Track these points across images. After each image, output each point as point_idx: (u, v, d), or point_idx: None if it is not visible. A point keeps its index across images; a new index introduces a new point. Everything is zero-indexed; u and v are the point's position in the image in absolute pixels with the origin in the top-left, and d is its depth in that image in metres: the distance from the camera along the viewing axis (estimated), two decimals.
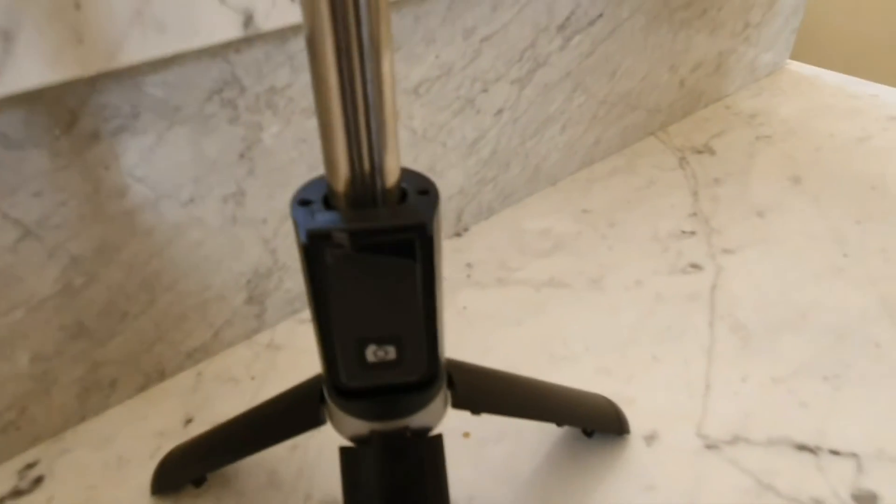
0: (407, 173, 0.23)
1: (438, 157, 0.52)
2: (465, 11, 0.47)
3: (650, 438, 0.40)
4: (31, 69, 0.30)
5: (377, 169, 0.21)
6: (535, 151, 0.60)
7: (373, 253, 0.21)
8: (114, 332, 0.41)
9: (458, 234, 0.58)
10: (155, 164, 0.37)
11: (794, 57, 0.84)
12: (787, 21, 0.79)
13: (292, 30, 0.39)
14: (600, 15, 0.56)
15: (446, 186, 0.54)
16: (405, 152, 0.50)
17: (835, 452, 0.39)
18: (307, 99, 0.42)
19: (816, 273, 0.53)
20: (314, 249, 0.20)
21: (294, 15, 0.37)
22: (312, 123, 0.43)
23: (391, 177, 0.21)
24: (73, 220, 0.36)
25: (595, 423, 0.39)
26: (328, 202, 0.22)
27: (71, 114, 0.33)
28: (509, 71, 0.53)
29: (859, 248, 0.55)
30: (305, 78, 0.41)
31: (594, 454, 0.40)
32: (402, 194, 0.22)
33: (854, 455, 0.39)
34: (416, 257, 0.21)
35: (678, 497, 0.37)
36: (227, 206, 0.42)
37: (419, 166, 0.51)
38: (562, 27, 0.54)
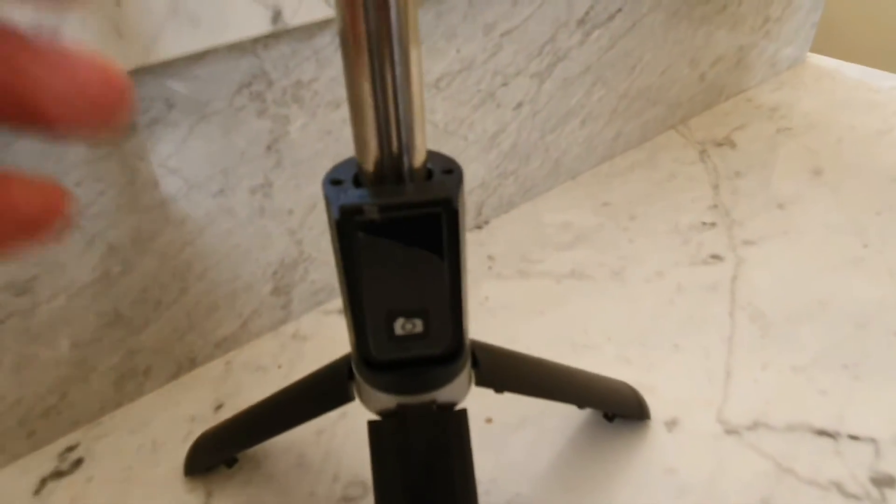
0: (432, 155, 0.24)
1: (460, 150, 0.53)
2: (486, 7, 0.48)
3: (671, 424, 0.41)
4: None
5: (405, 148, 0.22)
6: (556, 145, 0.60)
7: (401, 226, 0.22)
8: (148, 320, 0.42)
9: (479, 227, 0.59)
10: (187, 155, 0.39)
11: (815, 50, 0.84)
12: (807, 15, 0.79)
13: (318, 25, 0.40)
14: (619, 10, 0.57)
15: (467, 179, 0.55)
16: (427, 146, 0.51)
17: (854, 437, 0.40)
18: (332, 92, 0.43)
19: (836, 264, 0.53)
20: (346, 224, 0.21)
21: (320, 11, 0.38)
22: (337, 116, 0.44)
23: (419, 156, 0.22)
24: (111, 209, 0.37)
25: (616, 406, 0.40)
26: (358, 181, 0.23)
27: None
28: (529, 65, 0.53)
29: (879, 238, 0.55)
30: (330, 72, 0.42)
31: (615, 439, 0.40)
32: (427, 174, 0.23)
33: (872, 440, 0.39)
34: (443, 230, 0.22)
35: (699, 480, 0.38)
36: (255, 198, 0.43)
37: None
38: (581, 22, 0.55)
